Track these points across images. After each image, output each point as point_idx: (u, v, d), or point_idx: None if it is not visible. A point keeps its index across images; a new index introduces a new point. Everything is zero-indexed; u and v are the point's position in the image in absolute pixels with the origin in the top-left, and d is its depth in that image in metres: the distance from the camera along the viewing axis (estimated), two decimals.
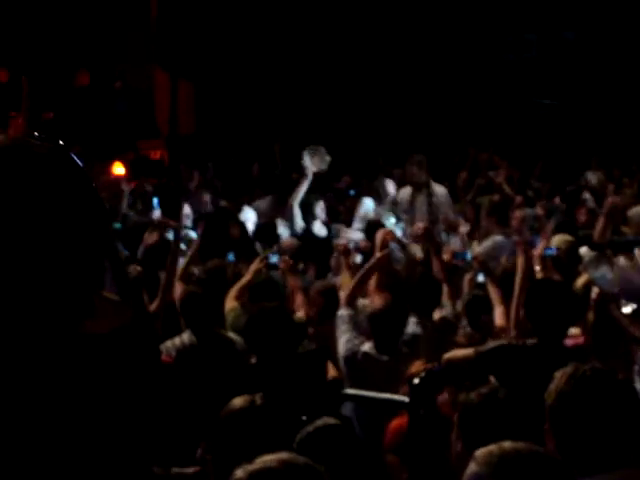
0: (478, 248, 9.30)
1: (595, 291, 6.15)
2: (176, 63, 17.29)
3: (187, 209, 11.76)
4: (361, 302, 7.21)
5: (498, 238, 9.34)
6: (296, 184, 11.25)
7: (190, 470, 4.00)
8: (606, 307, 6.01)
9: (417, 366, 5.60)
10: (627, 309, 6.01)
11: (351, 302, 6.89)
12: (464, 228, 9.88)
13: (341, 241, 9.29)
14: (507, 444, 2.59)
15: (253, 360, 5.85)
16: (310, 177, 10.50)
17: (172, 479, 3.91)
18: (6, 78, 15.18)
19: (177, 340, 6.66)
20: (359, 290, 7.13)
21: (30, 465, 1.51)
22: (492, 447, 2.60)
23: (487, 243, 9.32)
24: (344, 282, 7.66)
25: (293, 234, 10.74)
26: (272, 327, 5.76)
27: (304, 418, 3.70)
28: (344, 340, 6.60)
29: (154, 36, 17.43)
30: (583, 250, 7.81)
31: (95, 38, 16.40)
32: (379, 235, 7.84)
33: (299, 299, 7.53)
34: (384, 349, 6.52)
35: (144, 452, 1.71)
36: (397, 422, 5.18)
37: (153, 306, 7.08)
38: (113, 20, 16.78)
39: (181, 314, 6.73)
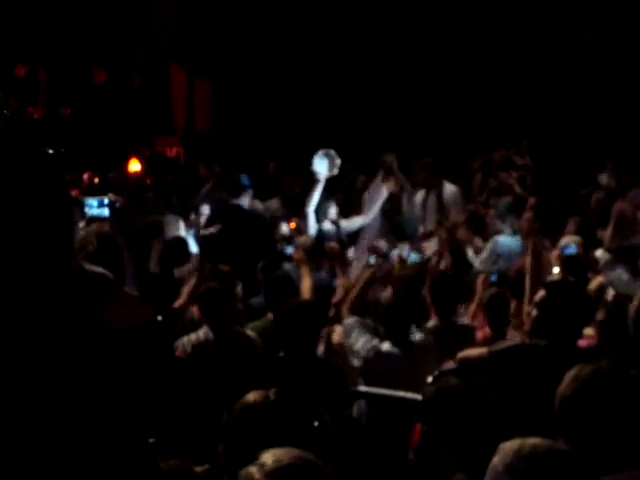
0: (483, 252, 9.32)
1: (611, 293, 6.14)
2: (194, 61, 17.31)
3: (206, 209, 11.77)
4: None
5: (500, 238, 9.36)
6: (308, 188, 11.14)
7: (198, 469, 3.98)
8: (622, 309, 6.00)
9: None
10: None
11: (355, 310, 6.86)
12: (479, 242, 9.83)
13: (332, 244, 9.26)
14: (530, 440, 2.58)
15: (281, 354, 5.86)
16: (323, 182, 10.37)
17: (179, 474, 3.87)
18: (24, 74, 15.23)
19: (193, 336, 6.69)
20: (363, 299, 7.07)
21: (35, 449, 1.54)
22: (515, 441, 2.59)
23: (489, 245, 9.33)
24: (344, 285, 7.71)
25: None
26: (305, 323, 5.76)
27: (316, 424, 3.68)
28: (362, 343, 6.47)
29: (172, 34, 17.46)
30: (599, 252, 7.81)
31: (112, 36, 16.43)
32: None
33: (306, 285, 7.50)
34: (401, 346, 6.47)
35: (150, 445, 1.72)
36: None
37: (176, 304, 7.09)
38: (131, 18, 16.82)
39: (199, 310, 6.76)
